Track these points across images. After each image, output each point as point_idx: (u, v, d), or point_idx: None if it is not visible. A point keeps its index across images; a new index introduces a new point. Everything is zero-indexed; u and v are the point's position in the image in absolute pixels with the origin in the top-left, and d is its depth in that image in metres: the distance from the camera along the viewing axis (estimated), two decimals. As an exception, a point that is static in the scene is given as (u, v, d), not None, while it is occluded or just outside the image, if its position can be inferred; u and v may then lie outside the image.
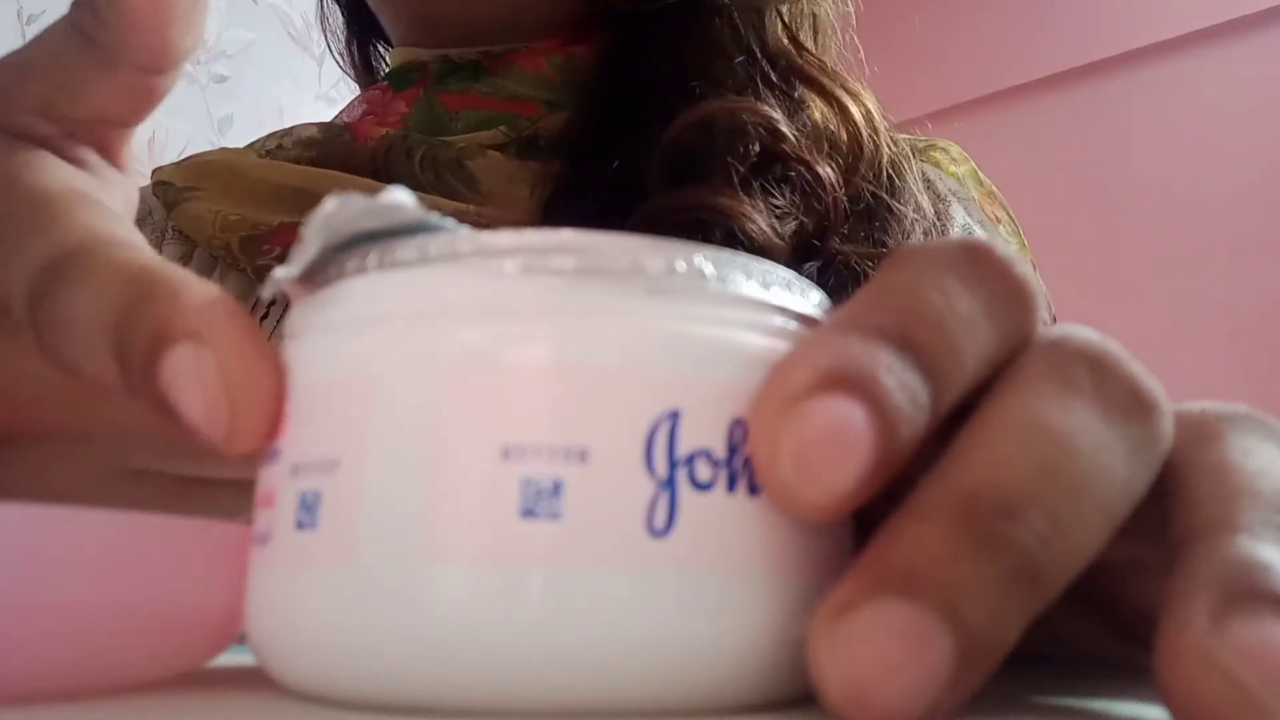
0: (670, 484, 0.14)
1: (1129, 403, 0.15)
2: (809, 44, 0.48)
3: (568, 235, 0.15)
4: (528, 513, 0.14)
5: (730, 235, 0.40)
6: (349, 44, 0.61)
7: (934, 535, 0.13)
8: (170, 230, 0.50)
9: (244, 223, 0.45)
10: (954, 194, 0.50)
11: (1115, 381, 0.15)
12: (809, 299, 0.17)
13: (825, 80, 0.46)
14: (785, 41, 0.47)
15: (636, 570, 0.14)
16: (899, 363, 0.14)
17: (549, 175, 0.44)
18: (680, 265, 0.15)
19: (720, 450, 0.14)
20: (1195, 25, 1.73)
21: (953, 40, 1.90)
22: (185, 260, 0.49)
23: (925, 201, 0.46)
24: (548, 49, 0.49)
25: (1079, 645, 0.20)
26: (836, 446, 0.13)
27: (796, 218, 0.42)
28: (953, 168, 0.53)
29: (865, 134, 0.45)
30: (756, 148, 0.42)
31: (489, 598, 0.14)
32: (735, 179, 0.41)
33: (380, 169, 0.47)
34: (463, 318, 0.15)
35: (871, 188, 0.44)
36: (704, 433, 0.14)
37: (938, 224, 0.46)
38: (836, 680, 0.13)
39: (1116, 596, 0.18)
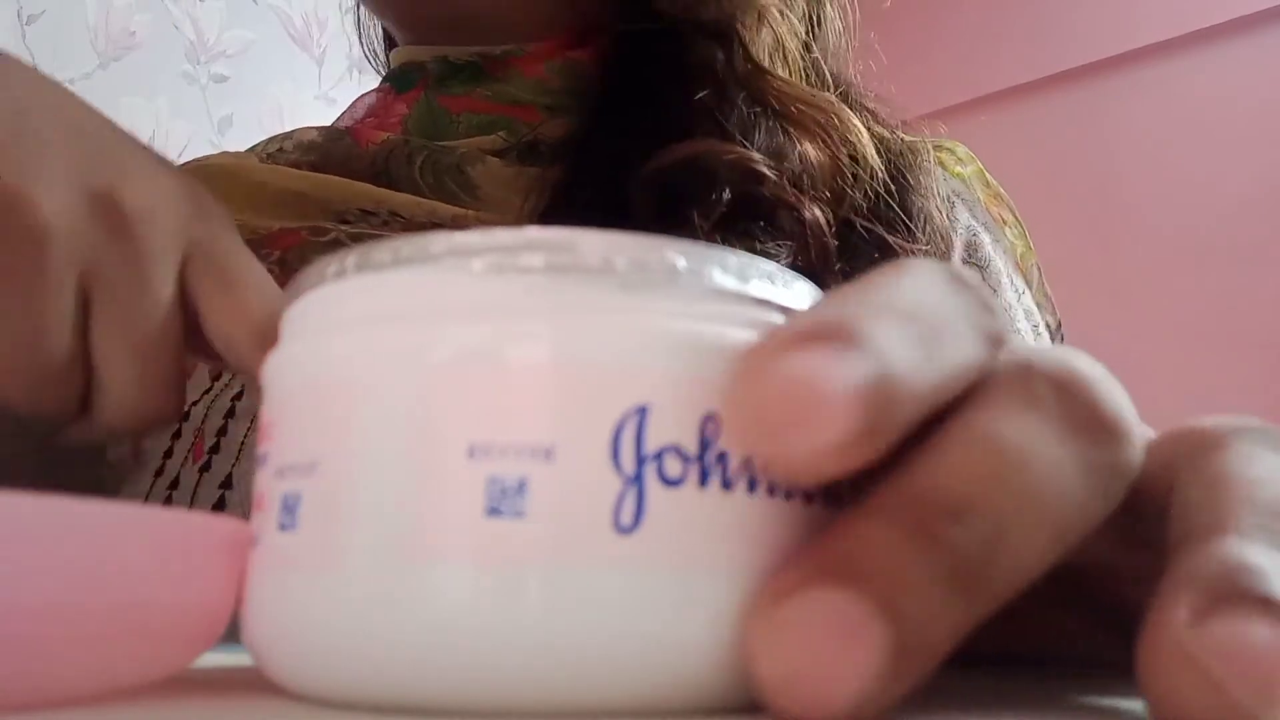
0: (638, 480, 0.14)
1: (1090, 425, 0.15)
2: (815, 53, 0.48)
3: (537, 233, 0.15)
4: (493, 511, 0.14)
5: None
6: (384, 42, 0.61)
7: (876, 530, 0.13)
8: None
9: (244, 227, 0.45)
10: (958, 195, 0.50)
11: (1079, 403, 0.15)
12: (792, 290, 0.16)
13: (802, 109, 0.45)
14: (749, 68, 0.46)
15: (602, 568, 0.14)
16: (896, 331, 0.14)
17: (548, 182, 0.45)
18: (651, 260, 0.15)
19: (691, 446, 0.14)
20: (1195, 25, 1.73)
21: (952, 40, 1.90)
22: None
23: (936, 217, 0.46)
24: (546, 51, 0.49)
25: (1092, 650, 0.20)
26: (820, 392, 0.13)
27: (787, 258, 0.41)
28: (958, 168, 0.52)
29: (864, 162, 0.44)
30: (727, 194, 0.41)
31: (455, 598, 0.14)
32: (714, 221, 0.40)
33: (381, 173, 0.47)
34: (431, 318, 0.15)
35: (865, 224, 0.43)
36: (674, 428, 0.14)
37: (942, 247, 0.46)
38: (768, 667, 0.13)
39: (1124, 603, 0.18)
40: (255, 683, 0.17)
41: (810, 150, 0.45)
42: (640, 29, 0.46)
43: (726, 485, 0.14)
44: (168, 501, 0.42)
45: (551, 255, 0.15)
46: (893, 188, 0.45)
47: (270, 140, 0.52)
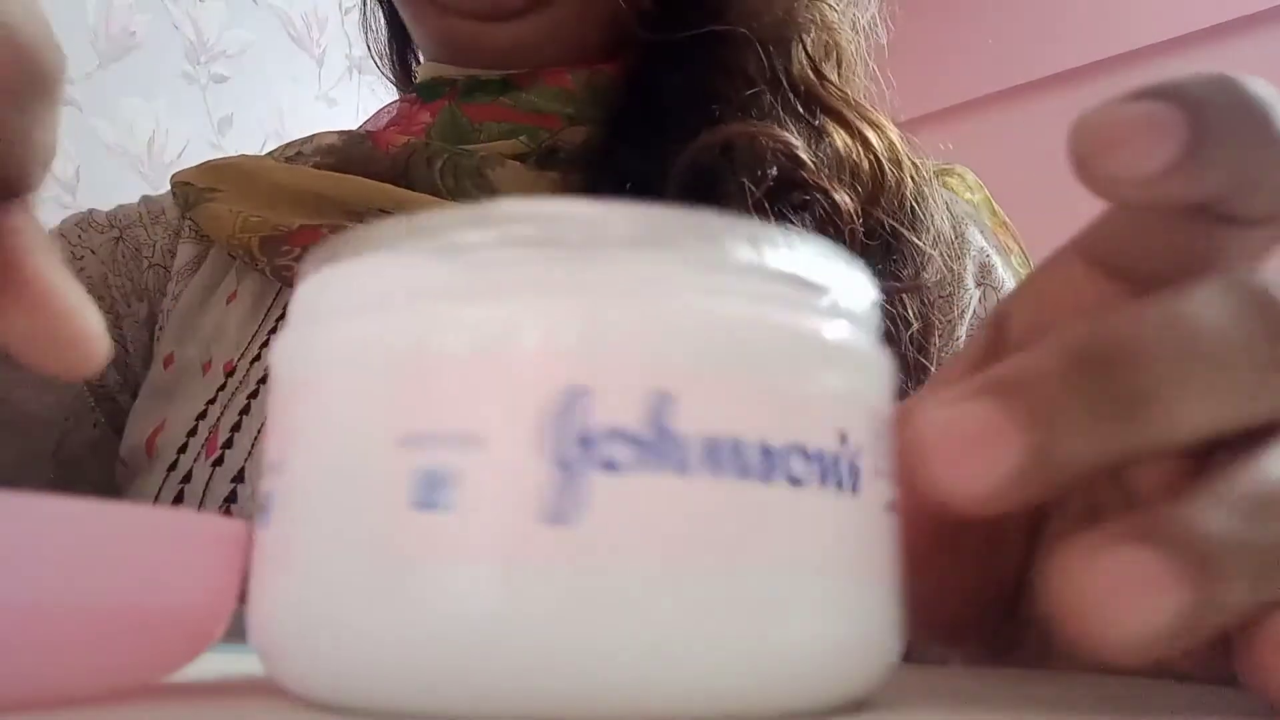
0: (573, 468, 0.13)
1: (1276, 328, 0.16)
2: (832, 75, 0.48)
3: (466, 212, 0.14)
4: (422, 504, 0.13)
5: None
6: (390, 46, 0.61)
7: (1044, 359, 0.15)
8: (187, 229, 0.51)
9: (264, 224, 0.46)
10: (969, 218, 0.50)
11: (1274, 310, 0.16)
12: (778, 253, 0.15)
13: (847, 111, 0.46)
14: (809, 72, 0.47)
15: (529, 563, 0.13)
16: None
17: (567, 186, 0.45)
18: (594, 230, 0.14)
19: (640, 427, 0.13)
20: (1194, 25, 1.73)
21: (951, 40, 1.90)
22: (199, 259, 0.50)
23: (946, 228, 0.46)
24: (574, 66, 0.49)
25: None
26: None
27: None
28: (967, 194, 0.53)
29: (887, 166, 0.45)
30: (774, 172, 0.42)
31: (383, 594, 0.13)
32: (750, 202, 0.41)
33: (401, 175, 0.47)
34: (367, 309, 0.15)
35: (891, 221, 0.44)
36: (617, 409, 0.13)
37: (955, 250, 0.47)
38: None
39: None
40: (261, 686, 0.17)
41: (841, 143, 0.45)
42: (676, 38, 0.46)
43: (683, 469, 0.13)
44: (179, 496, 0.42)
45: (486, 232, 0.14)
46: (908, 194, 0.45)
47: (289, 145, 0.52)
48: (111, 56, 1.54)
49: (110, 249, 0.50)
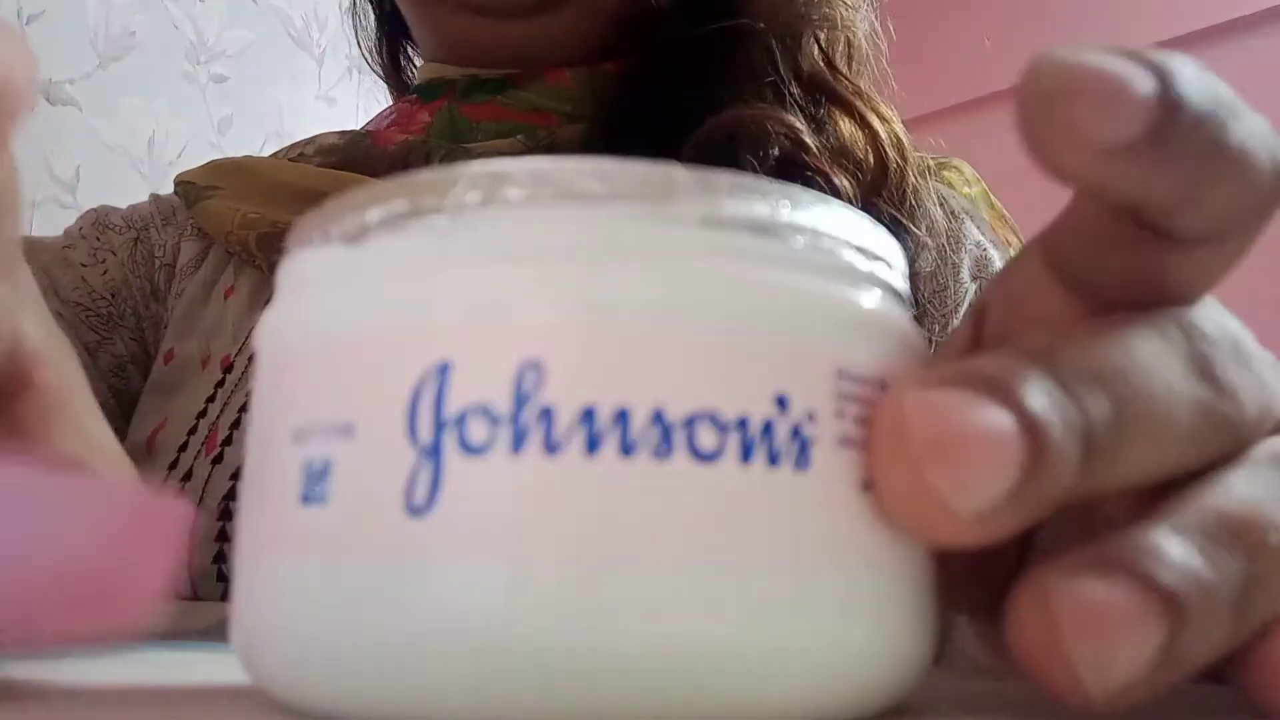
0: (434, 452, 0.12)
1: (1213, 375, 0.16)
2: (844, 68, 0.48)
3: (363, 194, 0.14)
4: (305, 498, 0.13)
5: None
6: (379, 42, 0.61)
7: (1017, 363, 0.14)
8: (189, 228, 0.51)
9: (262, 220, 0.46)
10: (966, 213, 0.50)
11: (1205, 353, 0.16)
12: (699, 194, 0.13)
13: (856, 101, 0.46)
14: (821, 65, 0.47)
15: (392, 555, 0.12)
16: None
17: None
18: (469, 196, 0.13)
19: (503, 403, 0.12)
20: (1194, 26, 1.73)
21: (950, 41, 1.90)
22: (201, 256, 0.50)
23: (940, 222, 0.46)
24: (575, 65, 0.49)
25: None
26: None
27: None
28: (965, 189, 0.53)
29: (891, 156, 0.45)
30: (776, 153, 0.42)
31: (273, 592, 0.13)
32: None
33: (399, 173, 0.47)
34: (274, 300, 0.15)
35: (891, 210, 0.44)
36: (480, 384, 0.12)
37: (951, 243, 0.47)
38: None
39: None
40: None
41: (846, 131, 0.45)
42: (681, 36, 0.46)
43: (551, 448, 0.12)
44: (179, 494, 0.42)
45: (366, 214, 0.14)
46: (910, 186, 0.45)
47: (292, 146, 0.53)
48: (111, 56, 1.54)
49: (129, 250, 0.50)
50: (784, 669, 0.12)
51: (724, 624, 0.12)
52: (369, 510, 0.12)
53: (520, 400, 0.12)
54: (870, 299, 0.14)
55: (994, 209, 0.53)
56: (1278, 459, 0.16)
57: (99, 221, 0.51)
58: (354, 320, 0.13)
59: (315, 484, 0.13)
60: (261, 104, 1.71)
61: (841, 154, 0.45)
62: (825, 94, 0.46)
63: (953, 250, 0.47)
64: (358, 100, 1.75)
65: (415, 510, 0.12)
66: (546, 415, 0.12)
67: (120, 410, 0.47)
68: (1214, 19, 1.71)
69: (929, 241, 0.45)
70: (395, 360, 0.12)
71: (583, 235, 0.13)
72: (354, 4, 0.62)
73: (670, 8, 0.47)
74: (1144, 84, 0.14)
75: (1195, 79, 0.15)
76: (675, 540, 0.12)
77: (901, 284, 0.15)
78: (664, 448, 0.12)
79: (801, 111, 0.45)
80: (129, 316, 0.49)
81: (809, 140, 0.43)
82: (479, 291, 0.12)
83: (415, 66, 0.60)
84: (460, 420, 0.12)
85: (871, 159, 0.45)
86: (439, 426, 0.12)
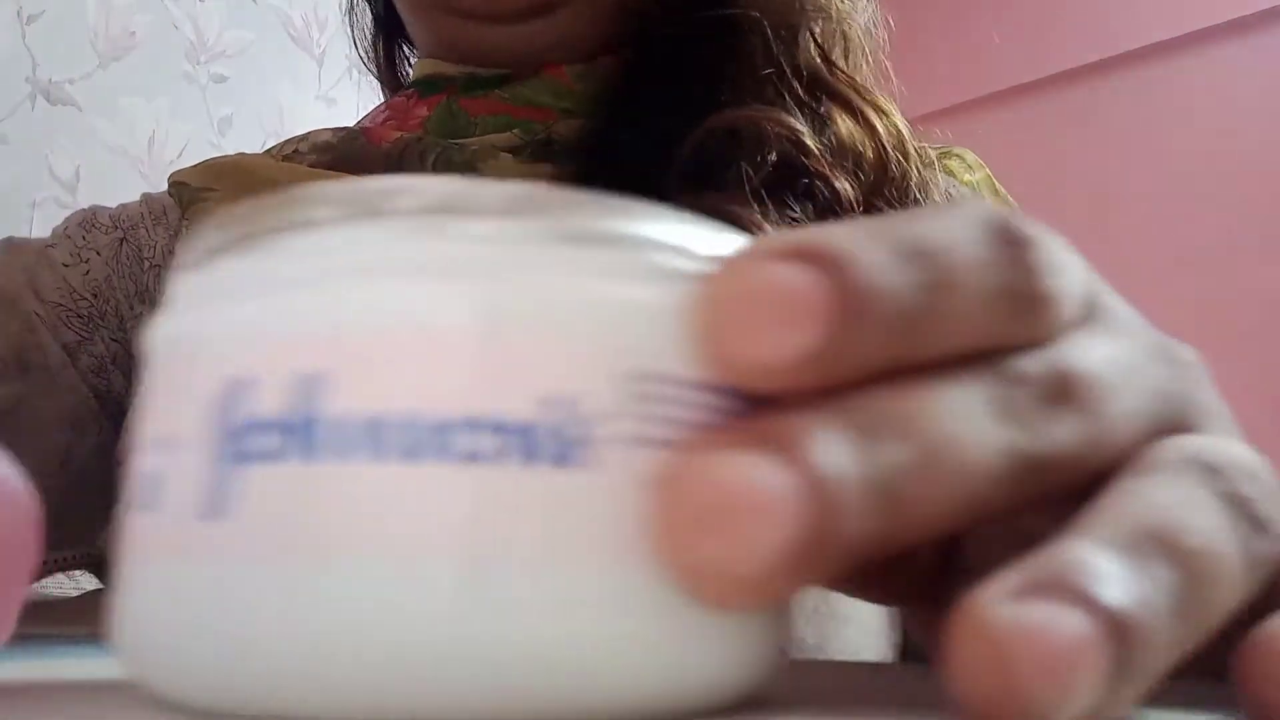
0: (229, 460, 0.13)
1: (1005, 410, 0.15)
2: (840, 62, 0.48)
3: (210, 220, 0.15)
4: (143, 506, 0.14)
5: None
6: (374, 41, 0.61)
7: (812, 419, 0.13)
8: (184, 229, 0.50)
9: None
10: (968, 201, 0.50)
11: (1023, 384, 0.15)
12: (478, 210, 0.13)
13: (854, 98, 0.46)
14: (817, 60, 0.47)
15: (192, 561, 0.13)
16: (888, 260, 0.14)
17: (561, 179, 0.44)
18: (281, 219, 0.14)
19: (286, 415, 0.12)
20: (1195, 25, 1.73)
21: (951, 40, 1.90)
22: None
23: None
24: (573, 61, 0.49)
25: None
26: (788, 302, 0.13)
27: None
28: (967, 176, 0.52)
29: (892, 154, 0.45)
30: (774, 157, 0.42)
31: (133, 590, 0.14)
32: (749, 187, 0.41)
33: (393, 171, 0.47)
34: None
35: (893, 210, 0.44)
36: (268, 396, 0.13)
37: None
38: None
39: None
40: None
41: (845, 130, 0.45)
42: (681, 32, 0.46)
43: (329, 456, 0.12)
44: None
45: (215, 237, 0.15)
46: (912, 183, 0.45)
47: (286, 142, 0.52)
48: (111, 56, 1.54)
49: (114, 250, 0.50)
50: (548, 668, 0.12)
51: (489, 622, 0.12)
52: (179, 518, 0.13)
53: (299, 412, 0.12)
54: (677, 299, 0.14)
55: (998, 194, 0.53)
56: (1178, 462, 0.16)
57: (85, 221, 0.51)
58: (183, 337, 0.14)
59: (149, 493, 0.14)
60: (261, 104, 1.71)
61: (842, 154, 0.45)
62: (825, 91, 0.46)
63: None
64: (358, 100, 1.75)
65: (209, 516, 0.13)
66: (319, 425, 0.12)
67: (103, 410, 0.47)
68: (1214, 19, 1.71)
69: None
70: (204, 375, 0.13)
71: (367, 252, 0.13)
72: (352, 4, 0.62)
73: (666, 2, 0.47)
74: (809, 291, 0.13)
75: (885, 235, 0.14)
76: (452, 541, 0.12)
77: None
78: (439, 452, 0.12)
79: (802, 108, 0.45)
80: (111, 316, 0.48)
81: (809, 143, 0.43)
82: (269, 310, 0.13)
83: (411, 64, 0.60)
84: (250, 431, 0.13)
85: (871, 156, 0.45)
86: (232, 437, 0.13)
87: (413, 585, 0.12)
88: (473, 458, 0.12)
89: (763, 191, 0.41)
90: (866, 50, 0.50)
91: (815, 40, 0.47)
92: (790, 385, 0.13)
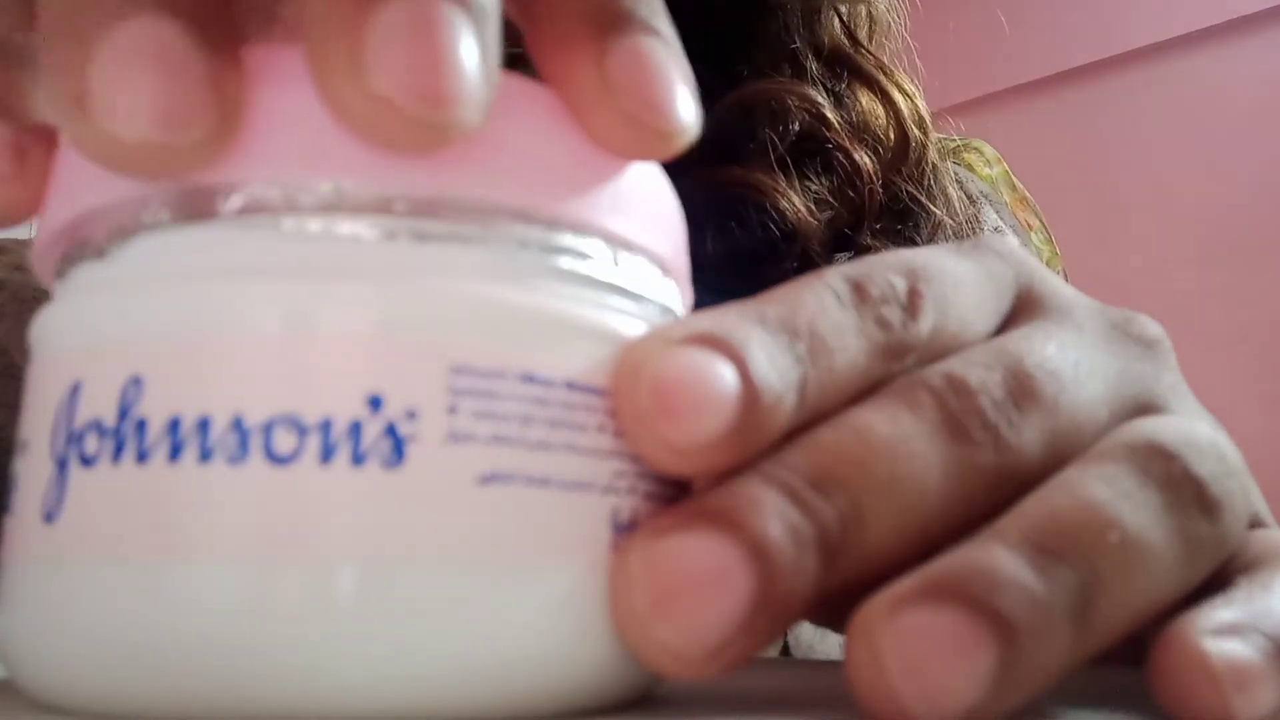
0: (63, 464, 0.13)
1: (958, 430, 0.15)
2: (865, 41, 0.48)
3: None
4: (7, 508, 0.14)
5: (763, 212, 0.39)
6: None
7: (755, 487, 0.14)
8: None
9: None
10: (985, 196, 0.50)
11: (960, 410, 0.15)
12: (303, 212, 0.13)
13: (879, 75, 0.46)
14: (842, 37, 0.47)
15: (33, 561, 0.13)
16: (771, 340, 0.14)
17: None
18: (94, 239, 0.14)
19: (111, 418, 0.13)
20: (1195, 25, 1.72)
21: (953, 39, 1.90)
22: None
23: (958, 203, 0.46)
24: None
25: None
26: (699, 389, 0.13)
27: (833, 206, 0.41)
28: (985, 170, 0.52)
29: (914, 133, 0.45)
30: (797, 128, 0.42)
31: (7, 589, 0.14)
32: (773, 158, 0.41)
33: None
34: None
35: (910, 187, 0.44)
36: (98, 401, 0.13)
37: (969, 226, 0.46)
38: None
39: None
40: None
41: (867, 105, 0.45)
42: (696, 8, 0.45)
43: (142, 457, 0.12)
44: None
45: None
46: (929, 163, 0.45)
47: None
48: None
49: None
50: (365, 666, 0.12)
51: (295, 621, 0.12)
52: (27, 520, 0.13)
53: (122, 414, 0.13)
54: (500, 291, 0.14)
55: (1015, 190, 0.53)
56: (1124, 448, 0.16)
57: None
58: (41, 339, 0.14)
59: (14, 494, 0.14)
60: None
61: (863, 129, 0.44)
62: (847, 67, 0.46)
63: (969, 234, 0.46)
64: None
65: (49, 519, 0.13)
66: (140, 427, 0.13)
67: None
68: (1214, 19, 1.71)
69: (947, 221, 0.44)
70: (53, 378, 0.14)
71: (190, 255, 0.13)
72: None
73: None
74: (718, 377, 0.14)
75: (769, 350, 0.14)
76: (251, 540, 0.12)
77: (577, 273, 0.15)
78: (240, 452, 0.12)
79: (821, 85, 0.44)
80: None
81: (830, 115, 0.43)
82: (100, 316, 0.13)
83: None
84: (81, 435, 0.13)
85: (893, 134, 0.45)
86: (67, 441, 0.13)
87: (206, 587, 0.12)
88: (279, 458, 0.12)
89: (787, 159, 0.41)
90: (891, 29, 0.50)
91: (841, 18, 0.47)
92: (713, 466, 0.14)
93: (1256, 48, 1.69)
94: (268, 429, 0.12)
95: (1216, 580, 0.16)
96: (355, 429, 0.12)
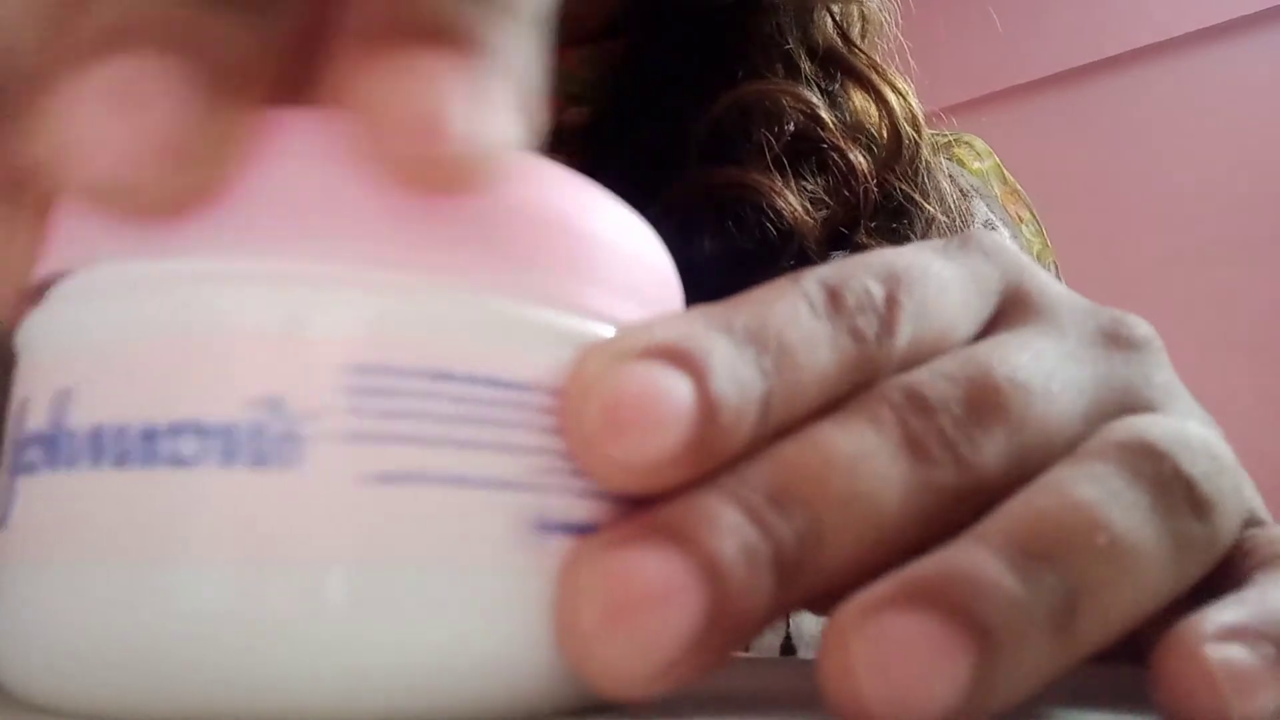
0: (11, 471, 0.14)
1: (923, 447, 0.15)
2: (857, 40, 0.48)
3: None
4: None
5: (760, 212, 0.40)
6: None
7: (712, 500, 0.14)
8: None
9: None
10: (976, 190, 0.50)
11: (926, 426, 0.15)
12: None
13: (871, 75, 0.46)
14: (835, 37, 0.47)
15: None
16: (735, 352, 0.14)
17: (574, 168, 0.44)
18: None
19: (46, 426, 0.13)
20: (1195, 25, 1.73)
21: (950, 39, 1.90)
22: None
23: (950, 199, 0.46)
24: (577, 45, 0.48)
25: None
26: (652, 407, 0.13)
27: (828, 205, 0.42)
28: (976, 164, 0.52)
29: (906, 131, 0.45)
30: (792, 128, 0.42)
31: None
32: (768, 158, 0.41)
33: None
34: None
35: (904, 185, 0.44)
36: (39, 411, 0.14)
37: (961, 221, 0.46)
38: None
39: None
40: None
41: (860, 104, 0.45)
42: (688, 9, 0.46)
43: (71, 464, 0.13)
44: None
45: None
46: (922, 161, 0.45)
47: None
48: (111, 56, 1.53)
49: None
50: (255, 670, 0.12)
51: (181, 621, 0.12)
52: None
53: (54, 424, 0.13)
54: (401, 291, 0.13)
55: (1006, 183, 0.53)
56: (1112, 448, 0.16)
57: None
58: (18, 350, 0.15)
59: None
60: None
61: (857, 128, 0.45)
62: (840, 67, 0.46)
63: (961, 229, 0.46)
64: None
65: (1, 526, 0.14)
66: (69, 437, 0.13)
67: None
68: (1214, 19, 1.71)
69: (941, 218, 0.45)
70: (18, 387, 0.14)
71: (109, 272, 0.14)
72: None
73: None
74: (678, 398, 0.13)
75: (731, 363, 0.14)
76: (157, 542, 0.12)
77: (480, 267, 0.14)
78: (150, 457, 0.13)
79: (815, 85, 0.45)
80: None
81: (824, 115, 0.43)
82: (45, 329, 0.14)
83: None
84: (28, 444, 0.14)
85: (886, 133, 0.45)
86: (16, 449, 0.14)
87: (120, 590, 0.13)
88: (177, 462, 0.12)
89: (783, 159, 0.41)
90: (883, 29, 0.50)
91: (834, 18, 0.47)
92: (666, 483, 0.13)
93: (1255, 48, 1.69)
94: (157, 435, 0.13)
95: (1231, 577, 0.16)
96: (240, 431, 0.12)
